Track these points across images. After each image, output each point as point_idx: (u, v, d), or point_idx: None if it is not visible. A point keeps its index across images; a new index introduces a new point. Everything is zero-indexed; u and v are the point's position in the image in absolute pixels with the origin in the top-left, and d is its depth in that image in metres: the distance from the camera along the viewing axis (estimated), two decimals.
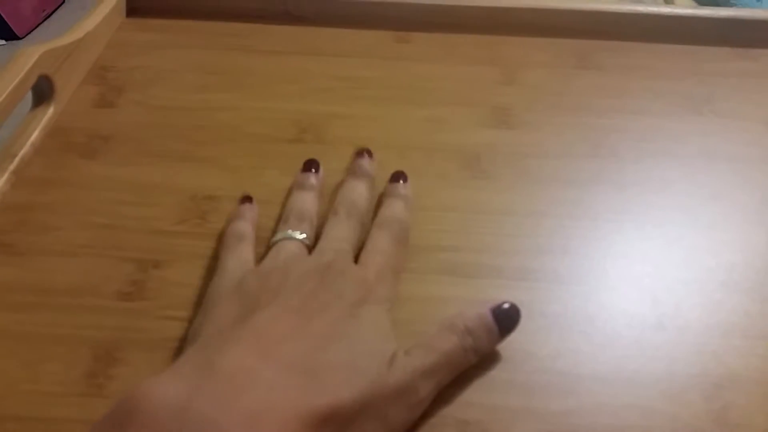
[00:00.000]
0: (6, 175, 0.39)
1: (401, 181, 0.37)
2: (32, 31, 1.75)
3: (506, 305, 0.30)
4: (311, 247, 0.33)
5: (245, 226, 0.35)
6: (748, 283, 0.35)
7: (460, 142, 0.42)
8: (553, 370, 0.30)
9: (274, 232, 0.35)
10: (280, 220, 0.36)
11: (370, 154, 0.38)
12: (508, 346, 0.31)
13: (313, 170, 0.38)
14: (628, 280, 0.34)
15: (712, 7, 0.51)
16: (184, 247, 0.35)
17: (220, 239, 0.35)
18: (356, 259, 0.33)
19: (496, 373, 0.30)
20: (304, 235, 0.33)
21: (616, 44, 0.50)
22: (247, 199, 0.36)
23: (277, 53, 0.49)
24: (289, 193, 0.37)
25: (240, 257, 0.33)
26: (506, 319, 0.30)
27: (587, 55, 0.49)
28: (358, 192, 0.36)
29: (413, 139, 0.42)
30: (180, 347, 0.31)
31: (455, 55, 0.49)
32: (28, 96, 0.42)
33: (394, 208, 0.35)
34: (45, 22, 1.81)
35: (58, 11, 1.87)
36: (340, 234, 0.33)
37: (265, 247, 0.34)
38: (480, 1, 0.52)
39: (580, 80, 0.47)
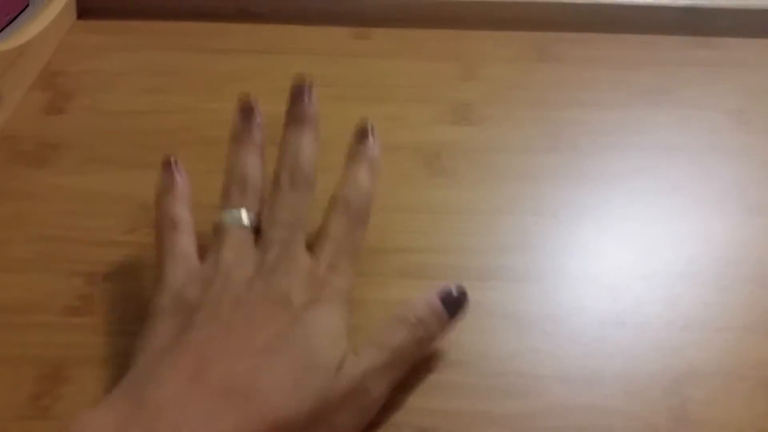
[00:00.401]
0: None
1: (367, 139, 0.32)
2: None
3: (453, 288, 0.29)
4: (258, 226, 0.31)
5: (176, 206, 0.30)
6: (707, 275, 0.34)
7: (421, 140, 0.42)
8: (512, 372, 0.30)
9: (219, 205, 0.32)
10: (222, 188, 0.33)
11: (310, 88, 0.33)
12: (466, 347, 0.31)
13: (254, 118, 0.33)
14: (587, 276, 0.34)
15: None
16: (133, 258, 0.34)
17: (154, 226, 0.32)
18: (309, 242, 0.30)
19: (453, 377, 0.30)
20: (246, 216, 0.30)
21: (575, 35, 0.50)
22: (168, 164, 0.31)
23: (232, 52, 0.48)
24: (229, 147, 0.33)
25: (178, 254, 0.30)
26: (455, 303, 0.29)
27: (547, 47, 0.49)
28: (302, 146, 0.31)
29: None
30: (129, 363, 0.30)
31: (415, 50, 0.49)
32: None
33: (354, 179, 0.31)
34: (8, 27, 1.77)
35: (23, 15, 1.83)
36: (285, 216, 0.30)
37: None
38: None
39: (539, 73, 0.46)
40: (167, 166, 0.32)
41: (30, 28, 0.47)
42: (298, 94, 0.34)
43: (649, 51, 0.49)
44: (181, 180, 0.32)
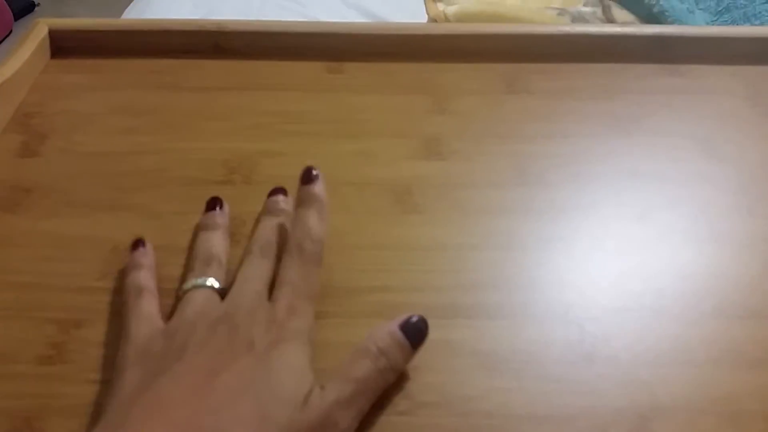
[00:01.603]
0: None
1: (312, 182, 0.35)
2: None
3: (414, 318, 0.31)
4: (224, 289, 0.33)
5: (142, 275, 0.33)
6: (676, 308, 0.35)
7: (392, 176, 0.42)
8: (481, 412, 0.30)
9: (182, 280, 0.34)
10: (186, 266, 0.35)
11: (284, 192, 0.38)
12: (435, 388, 0.31)
13: (218, 208, 0.36)
14: (556, 311, 0.34)
15: (638, 25, 0.52)
16: (106, 305, 0.34)
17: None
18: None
19: (422, 419, 0.30)
20: (212, 280, 0.33)
21: (543, 66, 0.50)
22: (138, 243, 0.35)
23: (205, 89, 0.48)
24: (194, 235, 0.37)
25: (142, 315, 0.32)
26: (416, 332, 0.31)
27: (516, 79, 0.49)
28: (273, 229, 0.35)
29: (345, 174, 0.42)
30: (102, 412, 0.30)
31: (388, 84, 0.49)
32: None
33: (304, 223, 0.33)
34: None
35: (5, 43, 1.83)
36: (252, 272, 0.33)
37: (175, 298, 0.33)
38: (412, 29, 0.52)
39: (509, 105, 0.47)
40: (135, 245, 0.35)
41: (2, 69, 0.47)
42: (274, 193, 0.38)
43: (618, 80, 0.50)
44: (146, 258, 0.35)
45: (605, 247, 0.38)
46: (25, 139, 0.44)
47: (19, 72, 0.47)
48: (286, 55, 0.51)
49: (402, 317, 0.30)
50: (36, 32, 0.51)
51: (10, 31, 1.85)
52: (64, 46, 0.52)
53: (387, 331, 0.30)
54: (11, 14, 1.86)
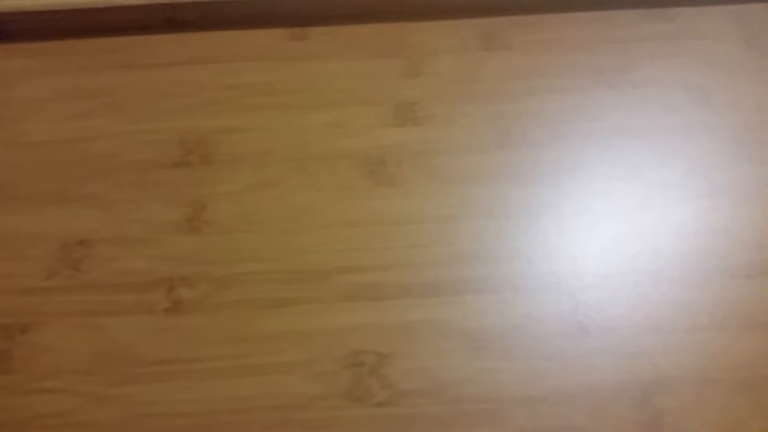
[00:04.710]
0: None
1: None
2: None
3: None
4: None
5: None
6: (676, 270, 0.32)
7: (364, 146, 0.39)
8: (470, 397, 0.28)
9: None
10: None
11: None
12: (420, 374, 0.28)
13: None
14: (545, 281, 0.32)
15: None
16: (55, 305, 0.31)
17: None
18: None
19: (405, 409, 0.27)
20: None
21: (523, 19, 0.47)
22: None
23: (159, 66, 0.45)
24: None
25: None
26: None
27: (494, 34, 0.46)
28: None
29: (314, 147, 0.39)
30: (54, 425, 0.27)
31: (356, 48, 0.46)
32: None
33: None
34: None
35: None
36: None
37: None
38: None
39: (488, 63, 0.44)
40: None
41: None
42: None
43: (603, 29, 0.47)
44: None
45: (595, 210, 0.35)
46: None
47: None
48: (245, 23, 0.48)
49: None
50: None
51: None
52: (8, 29, 0.48)
53: None
54: None
